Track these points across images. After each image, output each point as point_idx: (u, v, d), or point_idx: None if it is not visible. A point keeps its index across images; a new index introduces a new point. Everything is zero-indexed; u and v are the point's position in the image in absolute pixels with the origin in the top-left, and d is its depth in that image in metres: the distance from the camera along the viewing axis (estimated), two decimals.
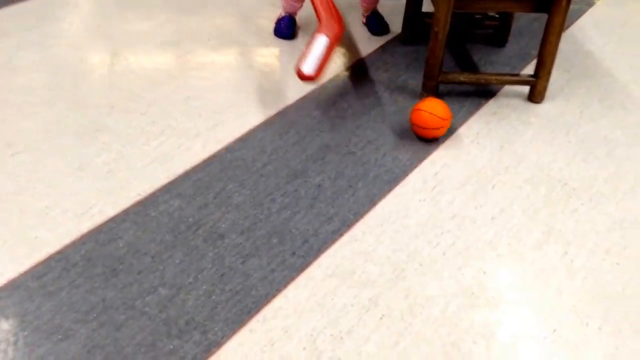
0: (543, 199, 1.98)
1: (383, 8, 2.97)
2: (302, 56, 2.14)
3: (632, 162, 2.14)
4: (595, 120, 2.35)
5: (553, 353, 1.52)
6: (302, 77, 2.09)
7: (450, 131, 2.25)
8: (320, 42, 2.14)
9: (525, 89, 2.48)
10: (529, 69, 2.60)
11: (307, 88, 2.44)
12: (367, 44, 2.79)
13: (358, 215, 1.90)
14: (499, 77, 2.41)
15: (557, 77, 2.57)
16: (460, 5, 2.24)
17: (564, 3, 2.19)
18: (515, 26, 2.94)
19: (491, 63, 2.69)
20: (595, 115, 2.38)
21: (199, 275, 1.68)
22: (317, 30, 2.19)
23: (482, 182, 2.04)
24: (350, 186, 2.00)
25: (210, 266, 1.71)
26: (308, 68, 2.09)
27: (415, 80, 2.52)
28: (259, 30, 2.86)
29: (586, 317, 1.61)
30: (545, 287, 1.69)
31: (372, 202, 1.95)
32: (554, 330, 1.58)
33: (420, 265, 1.75)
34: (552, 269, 1.74)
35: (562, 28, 2.26)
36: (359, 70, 2.60)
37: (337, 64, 2.62)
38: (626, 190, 2.02)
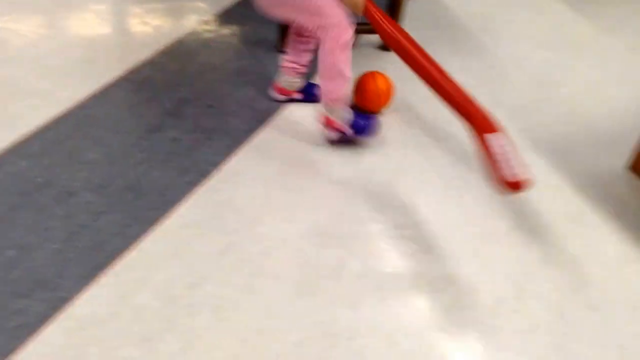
0: (400, 128, 2.07)
1: None
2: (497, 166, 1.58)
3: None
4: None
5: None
6: (519, 186, 1.57)
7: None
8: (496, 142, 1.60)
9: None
10: None
11: (163, 42, 2.40)
12: None
13: (215, 166, 1.91)
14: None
15: (408, 25, 2.67)
16: None
17: None
18: None
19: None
20: (445, 63, 2.50)
21: (48, 235, 1.64)
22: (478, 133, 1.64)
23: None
24: (208, 138, 2.01)
25: (60, 225, 1.67)
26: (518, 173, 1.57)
27: (274, 33, 2.53)
28: None
29: None
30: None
31: (229, 152, 1.96)
32: (400, 261, 1.68)
33: (277, 209, 1.79)
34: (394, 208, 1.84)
35: None
36: (217, 24, 2.58)
37: (195, 18, 2.58)
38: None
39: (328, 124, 1.99)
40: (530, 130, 2.15)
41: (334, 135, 2.01)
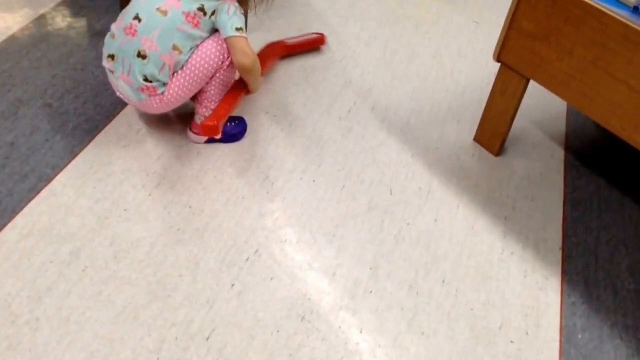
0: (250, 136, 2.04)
1: None
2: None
3: (326, 83, 2.28)
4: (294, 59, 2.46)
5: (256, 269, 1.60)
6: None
7: None
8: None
9: None
10: None
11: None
12: None
13: (57, 168, 1.79)
14: None
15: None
16: None
17: None
18: None
19: None
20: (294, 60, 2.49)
21: None
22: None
23: None
24: (47, 140, 1.87)
25: None
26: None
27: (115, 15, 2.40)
28: None
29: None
30: (246, 212, 1.76)
31: (71, 153, 1.84)
32: (256, 251, 1.65)
33: (125, 210, 1.70)
34: (253, 195, 1.81)
35: None
36: (53, 17, 2.41)
37: (24, 12, 2.40)
38: (322, 112, 2.16)
39: (197, 128, 1.91)
40: (381, 110, 2.19)
41: (200, 139, 1.93)
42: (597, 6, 1.59)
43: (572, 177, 2.01)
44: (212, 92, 1.83)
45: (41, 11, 2.41)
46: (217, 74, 1.80)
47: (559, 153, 2.10)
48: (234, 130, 1.97)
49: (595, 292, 1.67)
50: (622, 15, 1.57)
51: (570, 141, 2.16)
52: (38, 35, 2.29)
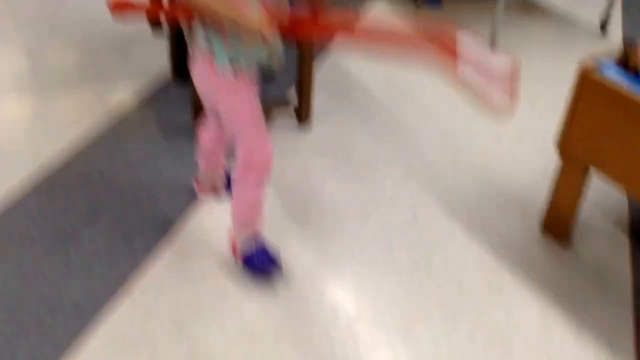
0: (314, 221, 2.09)
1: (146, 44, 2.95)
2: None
3: (390, 170, 2.34)
4: (358, 139, 2.53)
5: None
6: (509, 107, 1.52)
7: None
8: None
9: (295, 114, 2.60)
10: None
11: (69, 143, 2.34)
12: (136, 84, 2.75)
13: (135, 270, 1.86)
14: (266, 105, 2.51)
15: (323, 100, 2.72)
16: None
17: None
18: None
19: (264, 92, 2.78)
20: (358, 134, 2.56)
21: None
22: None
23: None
24: (126, 244, 1.95)
25: None
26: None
27: (189, 120, 2.52)
28: None
29: None
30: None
31: (150, 253, 1.92)
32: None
33: (205, 317, 1.76)
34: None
35: (311, 56, 2.41)
36: (132, 117, 2.55)
37: (108, 114, 2.55)
38: (387, 203, 2.20)
39: (233, 248, 1.86)
40: (446, 193, 2.22)
41: (239, 262, 1.86)
42: None
43: (638, 264, 1.99)
44: None
45: (121, 110, 2.56)
46: None
47: (625, 241, 2.08)
48: (261, 259, 1.84)
49: None
50: None
51: (635, 228, 2.14)
52: (115, 137, 2.42)
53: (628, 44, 1.79)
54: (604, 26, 3.66)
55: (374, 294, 1.84)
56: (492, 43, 3.34)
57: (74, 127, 2.46)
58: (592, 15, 3.78)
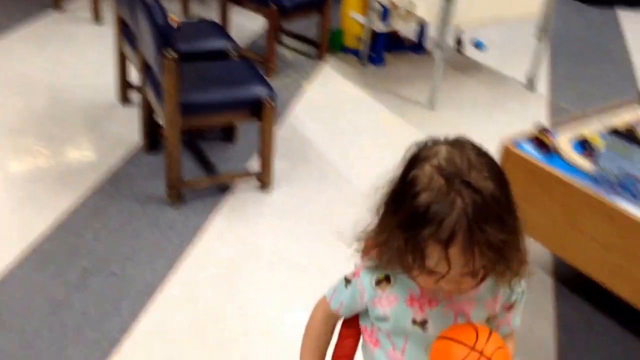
0: (283, 282, 2.37)
1: (117, 117, 3.22)
2: None
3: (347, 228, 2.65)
4: (316, 201, 2.84)
5: None
6: None
7: (194, 231, 2.56)
8: None
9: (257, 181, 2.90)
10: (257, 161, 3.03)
11: (56, 216, 2.58)
12: (110, 156, 3.00)
13: (124, 332, 2.11)
14: (231, 176, 2.82)
15: (282, 164, 3.03)
16: (187, 125, 2.58)
17: (269, 114, 2.65)
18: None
19: (226, 159, 3.07)
20: (315, 196, 2.88)
21: None
22: None
23: (231, 274, 2.38)
24: (115, 308, 2.20)
25: None
26: None
27: (162, 188, 2.78)
28: None
29: None
30: None
31: (136, 318, 2.17)
32: None
33: (187, 354, 2.02)
34: None
35: (272, 131, 2.72)
36: (107, 188, 2.80)
37: (83, 185, 2.79)
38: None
39: None
40: None
41: None
42: (564, 177, 1.98)
43: (560, 302, 2.33)
44: None
45: (96, 184, 2.80)
46: None
47: (548, 282, 2.43)
48: None
49: None
50: (585, 184, 1.95)
51: (557, 270, 2.50)
52: (95, 208, 2.67)
53: (540, 127, 2.17)
54: (531, 83, 4.10)
55: None
56: (431, 100, 3.73)
57: (53, 200, 2.69)
58: (520, 73, 4.22)
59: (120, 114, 3.37)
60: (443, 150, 0.97)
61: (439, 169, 0.94)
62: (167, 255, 2.44)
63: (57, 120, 3.28)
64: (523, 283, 1.10)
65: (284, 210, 2.77)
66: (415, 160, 0.99)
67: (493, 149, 2.28)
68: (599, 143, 2.09)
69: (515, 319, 1.16)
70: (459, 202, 0.91)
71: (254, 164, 3.01)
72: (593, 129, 2.24)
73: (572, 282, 2.43)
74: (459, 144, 0.99)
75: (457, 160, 0.95)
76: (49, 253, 2.41)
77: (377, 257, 1.07)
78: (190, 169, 2.94)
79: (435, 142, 1.00)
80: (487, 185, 0.93)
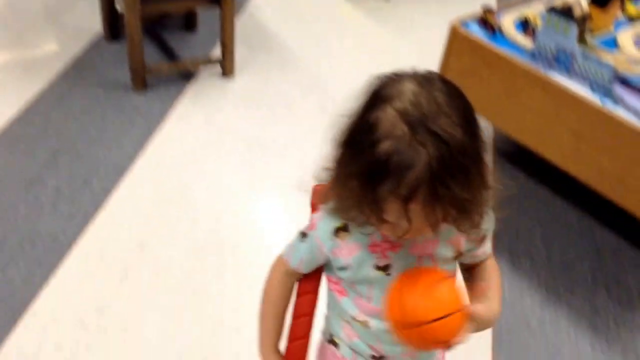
0: (248, 162, 2.52)
1: (77, 7, 3.22)
2: None
3: (306, 111, 2.79)
4: (277, 87, 2.95)
5: None
6: None
7: (160, 115, 2.67)
8: None
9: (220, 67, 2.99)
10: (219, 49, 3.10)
11: (23, 102, 2.65)
12: (72, 45, 3.04)
13: (98, 207, 2.25)
14: (194, 62, 2.89)
15: (243, 53, 3.11)
16: (147, 11, 2.63)
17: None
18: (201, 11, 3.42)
19: (189, 48, 3.14)
20: (276, 82, 2.98)
21: None
22: None
23: (197, 156, 2.51)
24: (86, 185, 2.33)
25: None
26: None
27: (126, 75, 2.85)
28: None
29: None
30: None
31: (107, 193, 2.31)
32: None
33: (158, 229, 2.18)
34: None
35: (232, 17, 2.78)
36: (72, 76, 2.85)
37: (48, 73, 2.84)
38: (305, 137, 2.66)
39: None
40: None
41: None
42: (505, 55, 2.12)
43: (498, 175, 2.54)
44: None
45: (60, 71, 2.86)
46: None
47: (488, 157, 2.63)
48: None
49: (517, 261, 2.20)
50: (524, 60, 2.10)
51: (497, 145, 2.70)
52: (61, 93, 2.74)
53: (486, 8, 2.28)
54: None
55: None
56: None
57: (19, 87, 2.75)
58: None
59: (81, 4, 3.37)
60: (409, 90, 0.83)
61: (403, 114, 0.82)
62: (135, 138, 2.56)
63: (18, 12, 3.27)
64: (491, 216, 1.02)
65: (247, 96, 2.88)
66: (376, 98, 0.86)
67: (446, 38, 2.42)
68: (539, 22, 2.23)
69: (487, 245, 1.09)
70: (423, 154, 0.80)
71: (216, 52, 3.08)
72: (535, 9, 2.37)
73: (508, 156, 2.64)
74: (428, 82, 0.85)
75: (424, 103, 0.82)
76: (19, 135, 2.50)
77: (334, 206, 0.98)
78: (153, 57, 3.01)
79: (400, 78, 0.87)
80: (455, 133, 0.81)
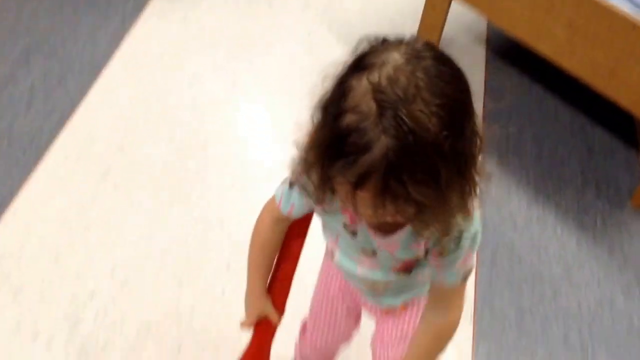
0: (228, 58, 2.42)
1: None
2: None
3: (288, 8, 2.66)
4: None
5: None
6: None
7: (135, 10, 2.53)
8: None
9: None
10: None
11: None
12: None
13: (75, 105, 2.17)
14: None
15: None
16: None
17: None
18: None
19: None
20: None
21: None
22: None
23: (177, 52, 2.41)
24: (61, 84, 2.23)
25: None
26: None
27: None
28: None
29: None
30: None
31: (83, 92, 2.21)
32: None
33: (138, 129, 2.11)
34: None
35: None
36: None
37: None
38: (289, 35, 2.54)
39: None
40: (336, 24, 2.58)
41: None
42: None
43: (490, 70, 2.47)
44: None
45: None
46: None
47: (482, 52, 2.55)
48: None
49: (505, 160, 2.16)
50: None
51: (490, 44, 2.60)
52: None
53: None
54: None
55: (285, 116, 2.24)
56: None
57: None
58: None
59: None
60: (391, 63, 0.72)
61: (376, 89, 0.70)
62: (109, 34, 2.43)
63: None
64: (460, 241, 0.88)
65: None
66: (358, 64, 0.75)
67: None
68: None
69: (447, 275, 0.94)
70: (382, 140, 0.69)
71: None
72: None
73: (502, 54, 2.55)
74: (417, 58, 0.72)
75: (402, 82, 0.70)
76: None
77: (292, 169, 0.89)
78: None
79: (389, 46, 0.75)
80: (428, 125, 0.69)
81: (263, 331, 1.17)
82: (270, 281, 1.16)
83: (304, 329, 1.35)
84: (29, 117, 2.11)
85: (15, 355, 1.56)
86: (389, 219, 0.77)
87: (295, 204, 1.02)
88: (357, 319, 1.27)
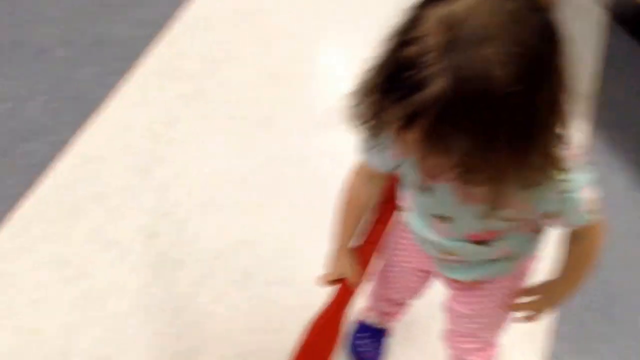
0: None
1: None
2: None
3: None
4: None
5: None
6: None
7: None
8: None
9: None
10: None
11: None
12: None
13: (169, 18, 2.12)
14: None
15: None
16: None
17: None
18: None
19: None
20: None
21: (34, 87, 1.87)
22: None
23: None
24: None
25: (43, 79, 1.89)
26: None
27: None
28: None
29: None
30: None
31: (181, 2, 2.17)
32: None
33: (232, 50, 2.06)
34: None
35: None
36: None
37: None
38: None
39: None
40: None
41: None
42: None
43: (612, 40, 2.27)
44: None
45: None
46: None
47: (604, 18, 2.34)
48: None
49: (619, 135, 1.99)
50: None
51: (615, 12, 2.39)
52: None
53: None
54: None
55: None
56: None
57: None
58: None
59: None
60: None
61: (448, 22, 0.62)
62: None
63: None
64: (565, 199, 0.80)
65: None
66: None
67: None
68: None
69: (571, 219, 0.86)
70: (441, 79, 0.61)
71: None
72: None
73: (629, 23, 2.35)
74: None
75: (482, 20, 0.62)
76: None
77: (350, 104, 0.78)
78: None
79: None
80: (497, 72, 0.61)
81: (344, 292, 1.12)
82: (361, 242, 1.12)
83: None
84: (124, 25, 2.08)
85: (88, 264, 1.52)
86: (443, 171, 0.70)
87: (377, 154, 0.92)
88: (426, 280, 1.20)
